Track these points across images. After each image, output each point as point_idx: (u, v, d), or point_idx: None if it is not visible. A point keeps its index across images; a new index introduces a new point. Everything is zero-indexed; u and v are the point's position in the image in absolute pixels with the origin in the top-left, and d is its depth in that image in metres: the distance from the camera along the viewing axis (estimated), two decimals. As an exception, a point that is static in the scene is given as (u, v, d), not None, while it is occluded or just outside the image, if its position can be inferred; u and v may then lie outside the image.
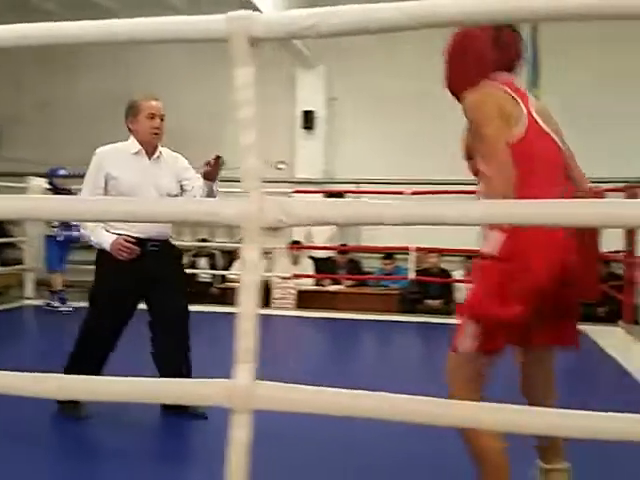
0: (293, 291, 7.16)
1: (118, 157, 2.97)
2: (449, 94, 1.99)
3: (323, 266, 7.65)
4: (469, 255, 7.12)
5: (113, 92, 8.95)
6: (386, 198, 6.96)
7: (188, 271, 7.94)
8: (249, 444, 1.04)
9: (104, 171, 2.93)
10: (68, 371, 2.89)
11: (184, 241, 8.47)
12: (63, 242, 6.31)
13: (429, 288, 7.06)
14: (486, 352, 1.77)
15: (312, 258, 7.71)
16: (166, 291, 2.95)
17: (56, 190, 6.21)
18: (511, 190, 1.65)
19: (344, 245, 7.83)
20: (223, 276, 8.04)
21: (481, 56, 1.86)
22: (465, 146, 1.96)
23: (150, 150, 3.01)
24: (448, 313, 6.77)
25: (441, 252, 7.04)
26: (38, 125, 9.43)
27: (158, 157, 3.03)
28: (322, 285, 7.52)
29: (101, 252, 2.94)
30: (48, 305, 6.31)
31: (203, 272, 8.05)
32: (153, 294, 2.95)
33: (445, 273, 7.20)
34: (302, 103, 8.59)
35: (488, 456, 1.76)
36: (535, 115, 1.85)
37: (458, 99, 1.90)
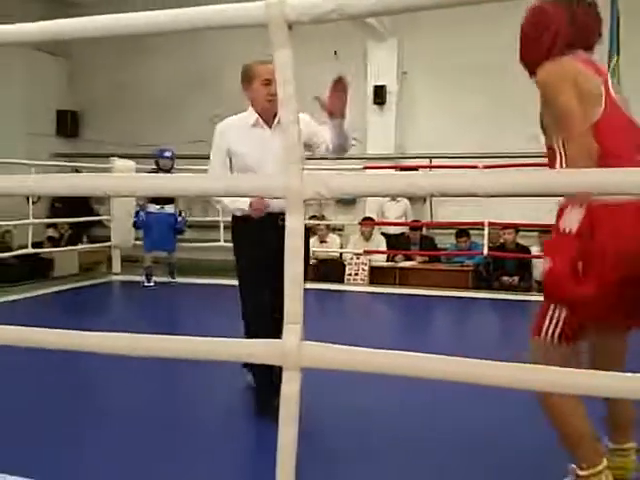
0: (365, 267, 7.23)
1: (238, 131, 2.78)
2: (523, 68, 1.97)
3: (396, 242, 7.66)
4: (545, 230, 6.96)
5: (186, 74, 9.30)
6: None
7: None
8: (299, 398, 1.14)
9: (226, 147, 2.78)
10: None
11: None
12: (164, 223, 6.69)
13: (505, 264, 6.93)
14: (570, 339, 1.74)
15: (384, 234, 7.73)
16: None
17: (160, 171, 6.57)
18: (593, 165, 1.62)
19: (417, 221, 7.80)
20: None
21: (557, 32, 1.83)
22: (540, 121, 1.93)
23: (269, 119, 2.77)
24: (526, 290, 6.67)
25: (516, 227, 6.89)
26: (115, 108, 9.85)
27: (279, 125, 2.69)
28: (395, 261, 7.54)
29: (236, 229, 2.89)
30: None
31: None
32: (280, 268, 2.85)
33: (523, 249, 7.02)
34: (374, 78, 8.55)
35: (571, 430, 1.77)
36: (612, 92, 1.81)
37: (533, 75, 1.88)
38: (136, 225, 6.86)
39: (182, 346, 1.28)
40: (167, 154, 6.71)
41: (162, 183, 1.24)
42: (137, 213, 6.75)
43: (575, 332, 1.75)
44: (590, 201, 1.65)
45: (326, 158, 2.95)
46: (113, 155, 7.47)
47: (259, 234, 2.71)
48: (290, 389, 1.16)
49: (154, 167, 6.72)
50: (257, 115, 2.77)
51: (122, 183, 1.27)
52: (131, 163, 7.30)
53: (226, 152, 2.77)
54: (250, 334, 2.74)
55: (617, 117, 1.78)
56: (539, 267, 7.11)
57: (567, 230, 1.66)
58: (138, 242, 7.17)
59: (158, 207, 6.64)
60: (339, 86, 2.47)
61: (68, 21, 1.31)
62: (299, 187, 1.14)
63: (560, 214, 1.70)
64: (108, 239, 7.51)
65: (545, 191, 1.06)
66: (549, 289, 1.70)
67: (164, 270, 6.97)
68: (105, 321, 5.08)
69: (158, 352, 1.31)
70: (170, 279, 6.87)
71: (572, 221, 1.66)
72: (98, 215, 8.73)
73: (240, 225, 2.85)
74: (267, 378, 2.69)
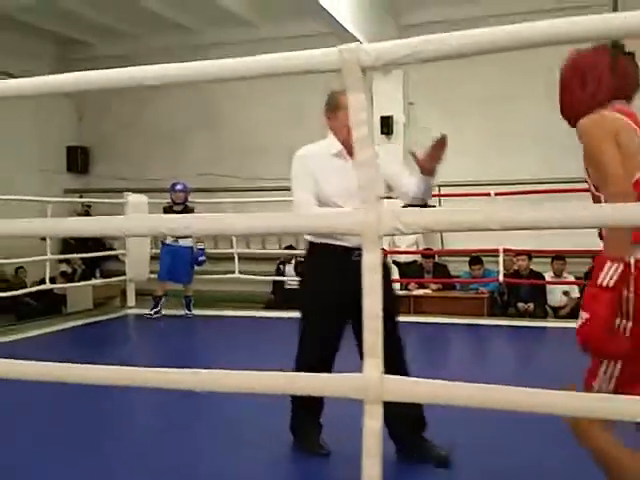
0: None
1: (320, 159, 2.62)
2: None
3: (408, 271, 7.68)
4: (558, 256, 7.00)
5: (191, 110, 9.46)
6: (471, 201, 6.94)
7: (275, 278, 8.30)
8: (381, 432, 1.16)
9: (311, 173, 2.58)
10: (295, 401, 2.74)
11: (270, 249, 8.80)
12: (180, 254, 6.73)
13: (520, 291, 6.95)
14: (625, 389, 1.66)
15: (396, 263, 7.76)
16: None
17: (174, 205, 6.67)
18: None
19: (428, 249, 7.84)
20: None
21: (599, 82, 1.79)
22: (585, 168, 1.86)
23: (351, 150, 2.70)
24: (542, 316, 6.69)
25: (529, 254, 6.92)
26: (123, 144, 10.01)
27: None
28: (409, 289, 7.55)
29: (309, 261, 2.72)
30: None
31: (290, 279, 8.29)
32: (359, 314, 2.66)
33: (537, 275, 7.05)
34: (380, 109, 8.68)
35: (611, 455, 1.73)
36: None
37: (573, 126, 1.82)
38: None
39: (263, 381, 1.30)
40: (179, 187, 6.77)
41: (236, 222, 1.28)
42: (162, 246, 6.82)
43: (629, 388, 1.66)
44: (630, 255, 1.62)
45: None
46: (123, 190, 7.55)
47: (336, 271, 2.51)
48: (373, 423, 1.18)
49: (168, 202, 6.78)
50: (341, 146, 2.61)
51: (198, 223, 1.30)
52: (144, 198, 7.37)
53: (312, 179, 2.56)
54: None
55: None
56: (554, 293, 7.13)
57: (605, 284, 1.61)
58: (152, 275, 7.19)
59: (172, 239, 6.65)
60: (440, 145, 2.41)
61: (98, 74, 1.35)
62: (376, 223, 1.18)
63: (599, 266, 1.64)
64: (121, 273, 7.52)
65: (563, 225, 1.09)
66: (587, 345, 1.66)
67: (176, 302, 6.96)
68: (133, 354, 5.08)
69: (230, 387, 1.33)
70: (186, 311, 6.85)
71: (611, 275, 1.60)
72: (112, 249, 8.77)
73: (316, 256, 2.64)
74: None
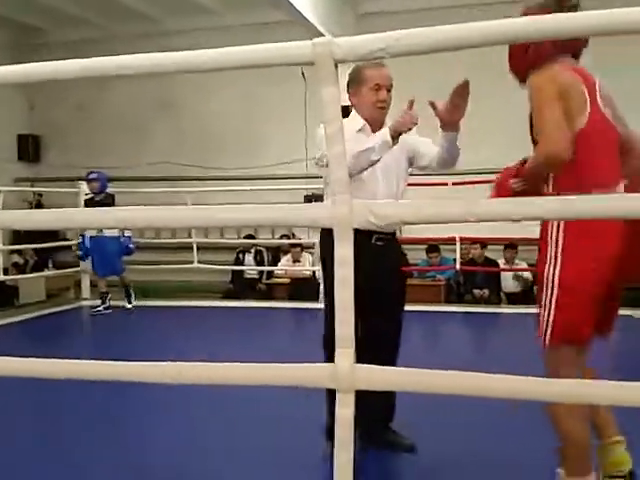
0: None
1: (346, 135, 2.51)
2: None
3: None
4: (510, 244, 7.19)
5: (149, 96, 9.27)
6: (431, 190, 7.04)
7: (234, 268, 8.25)
8: (353, 420, 1.18)
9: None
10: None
11: (230, 238, 8.75)
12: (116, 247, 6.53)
13: (475, 278, 7.12)
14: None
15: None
16: (383, 302, 2.49)
17: (92, 194, 6.41)
18: (554, 160, 1.76)
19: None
20: (270, 272, 8.24)
21: (538, 46, 1.85)
22: (530, 131, 1.96)
23: (376, 127, 2.45)
24: (496, 303, 6.88)
25: (484, 242, 7.08)
26: (76, 131, 9.73)
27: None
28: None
29: (327, 246, 2.58)
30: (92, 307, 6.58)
31: (249, 268, 8.27)
32: (373, 299, 2.40)
33: (492, 263, 7.24)
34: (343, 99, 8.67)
35: (572, 436, 1.86)
36: (599, 101, 1.87)
37: (522, 83, 1.93)
38: (80, 256, 6.60)
39: (234, 373, 1.30)
40: (92, 176, 6.45)
41: (208, 214, 1.28)
42: (81, 243, 6.50)
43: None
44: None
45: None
46: (77, 179, 7.36)
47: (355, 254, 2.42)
48: (345, 412, 1.20)
49: (88, 193, 6.49)
50: (364, 122, 2.49)
51: (159, 215, 1.29)
52: (97, 186, 7.20)
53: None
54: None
55: (600, 131, 1.86)
56: (508, 280, 7.34)
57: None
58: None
59: (95, 232, 6.33)
60: (462, 92, 2.12)
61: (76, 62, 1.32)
62: (348, 216, 1.20)
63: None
64: (75, 264, 7.36)
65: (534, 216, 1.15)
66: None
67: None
68: (87, 347, 4.99)
69: (209, 379, 1.33)
70: (127, 304, 6.63)
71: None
72: (65, 239, 8.55)
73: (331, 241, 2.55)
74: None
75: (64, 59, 1.40)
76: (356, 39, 1.16)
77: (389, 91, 2.48)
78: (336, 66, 1.20)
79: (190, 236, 7.59)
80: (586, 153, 1.81)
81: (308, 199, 8.45)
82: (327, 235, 2.49)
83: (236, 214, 1.30)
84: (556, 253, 1.83)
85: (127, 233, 6.56)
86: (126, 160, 9.09)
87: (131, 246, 6.63)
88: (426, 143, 2.51)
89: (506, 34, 1.05)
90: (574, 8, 1.88)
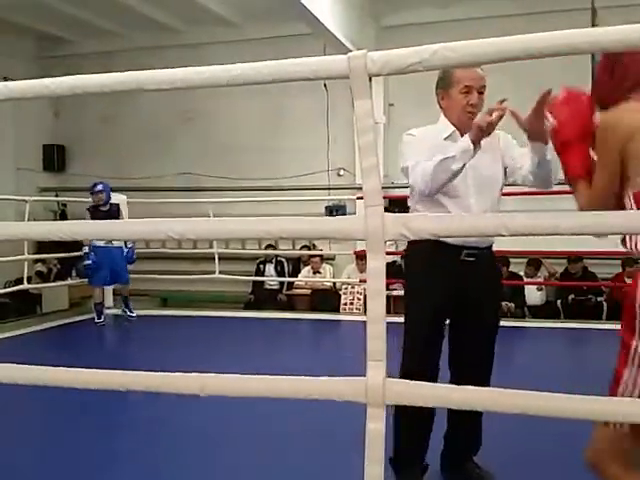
0: (361, 296, 7.27)
1: (433, 144, 2.25)
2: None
3: (388, 271, 7.71)
4: (534, 257, 7.14)
5: (174, 107, 9.37)
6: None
7: (255, 278, 8.28)
8: (383, 435, 1.17)
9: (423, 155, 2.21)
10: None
11: (251, 249, 8.78)
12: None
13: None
14: None
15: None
16: (476, 321, 2.34)
17: (97, 205, 6.42)
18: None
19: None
20: (290, 283, 8.24)
21: (626, 68, 1.64)
22: None
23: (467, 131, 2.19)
24: (521, 316, 6.83)
25: (507, 256, 7.04)
26: (102, 142, 9.84)
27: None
28: (390, 290, 7.60)
29: (414, 259, 2.42)
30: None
31: (270, 279, 8.28)
32: (461, 318, 2.35)
33: (516, 276, 7.18)
34: (360, 110, 8.70)
35: None
36: None
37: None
38: (88, 267, 6.48)
39: (259, 385, 1.30)
40: (99, 187, 6.43)
41: (241, 225, 1.28)
42: (87, 255, 6.42)
43: None
44: None
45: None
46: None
47: (442, 272, 2.26)
48: (375, 427, 1.19)
49: (91, 204, 6.47)
50: (453, 128, 2.29)
51: (200, 227, 1.30)
52: (123, 197, 7.29)
53: (429, 154, 2.17)
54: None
55: None
56: (532, 292, 7.29)
57: None
58: (131, 275, 7.11)
59: (104, 242, 6.31)
60: (543, 100, 1.86)
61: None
62: (380, 229, 1.19)
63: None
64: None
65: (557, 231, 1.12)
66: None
67: (159, 302, 6.89)
68: (111, 356, 5.02)
69: (233, 391, 1.33)
70: (128, 313, 6.65)
71: None
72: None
73: (419, 256, 2.32)
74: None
75: (89, 70, 1.41)
76: (391, 53, 1.16)
77: (481, 93, 2.25)
78: (370, 79, 1.20)
79: (211, 246, 7.63)
80: None
81: (329, 210, 8.47)
82: (417, 249, 2.27)
83: (266, 226, 1.30)
84: None
85: (129, 243, 6.62)
86: (150, 170, 9.19)
87: (134, 257, 6.70)
88: (523, 155, 2.21)
89: (541, 48, 1.04)
90: None
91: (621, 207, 1.62)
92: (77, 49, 9.69)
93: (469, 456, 2.49)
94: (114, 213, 6.45)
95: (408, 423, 2.30)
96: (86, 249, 6.41)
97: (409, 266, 2.48)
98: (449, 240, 2.14)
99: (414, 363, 2.24)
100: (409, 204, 2.38)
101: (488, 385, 2.21)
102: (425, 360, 2.28)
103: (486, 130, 2.01)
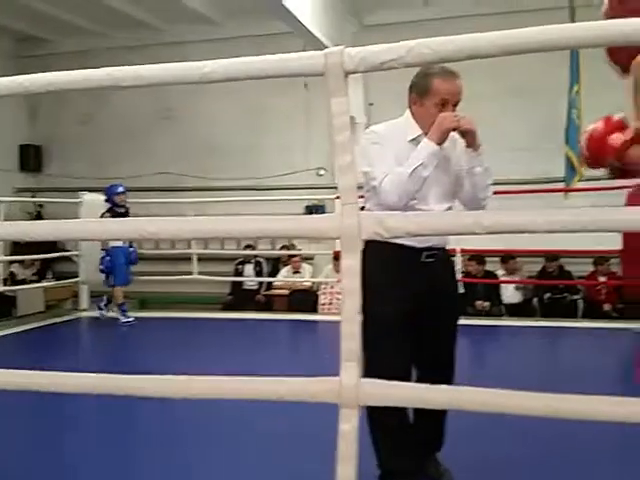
0: (339, 296, 7.24)
1: (398, 143, 2.15)
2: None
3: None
4: (508, 255, 7.19)
5: (153, 106, 9.29)
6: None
7: (234, 279, 8.23)
8: (357, 436, 1.16)
9: (392, 154, 2.12)
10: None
11: (230, 249, 8.73)
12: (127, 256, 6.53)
13: (476, 291, 7.10)
14: None
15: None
16: (436, 322, 2.30)
17: (115, 206, 6.40)
18: None
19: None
20: (269, 283, 8.21)
21: None
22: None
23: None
24: (498, 315, 6.87)
25: (481, 256, 7.08)
26: (79, 142, 9.74)
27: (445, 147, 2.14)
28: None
29: (372, 262, 2.19)
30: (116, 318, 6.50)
31: (249, 279, 8.24)
32: (423, 320, 2.27)
33: (491, 275, 7.24)
34: (340, 110, 8.71)
35: None
36: None
37: (625, 72, 1.70)
38: (105, 270, 6.45)
39: (231, 387, 1.29)
40: (121, 189, 6.46)
41: (217, 225, 1.26)
42: (104, 257, 6.41)
43: None
44: None
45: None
46: (78, 189, 7.35)
47: (402, 274, 2.19)
48: (348, 427, 1.18)
49: (109, 206, 6.43)
50: (420, 132, 2.16)
51: (171, 226, 1.28)
52: (100, 197, 7.19)
53: (394, 160, 2.09)
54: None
55: None
56: (508, 291, 7.35)
57: None
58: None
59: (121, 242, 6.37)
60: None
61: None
62: (356, 228, 1.18)
63: None
64: (74, 275, 7.33)
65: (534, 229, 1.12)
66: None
67: (137, 304, 6.81)
68: (87, 359, 4.95)
69: (206, 393, 1.31)
70: (125, 317, 6.51)
71: None
72: (64, 250, 8.53)
73: (378, 258, 2.13)
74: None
75: (68, 69, 1.39)
76: (367, 49, 1.15)
77: (455, 107, 2.14)
78: (346, 76, 1.19)
79: (190, 247, 7.57)
80: None
81: (309, 210, 8.46)
82: (374, 252, 2.01)
83: (242, 225, 1.28)
84: None
85: (132, 246, 6.60)
86: (128, 171, 9.10)
87: (137, 258, 6.66)
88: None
89: (516, 44, 1.04)
90: None
91: None
92: (56, 48, 9.57)
93: (432, 452, 2.48)
94: (128, 215, 6.37)
95: (385, 435, 2.22)
96: (102, 253, 6.36)
97: (368, 269, 2.32)
98: (409, 242, 2.09)
99: (387, 371, 2.08)
100: (366, 207, 2.25)
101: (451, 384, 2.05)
102: (397, 367, 2.10)
103: (449, 129, 2.01)
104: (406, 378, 2.14)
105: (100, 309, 6.60)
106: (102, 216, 6.31)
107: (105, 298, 6.66)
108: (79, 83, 1.30)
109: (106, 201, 6.49)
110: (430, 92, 2.12)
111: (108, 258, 6.38)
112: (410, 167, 2.00)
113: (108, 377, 1.34)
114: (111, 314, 6.55)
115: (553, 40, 1.01)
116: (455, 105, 2.14)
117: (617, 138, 1.70)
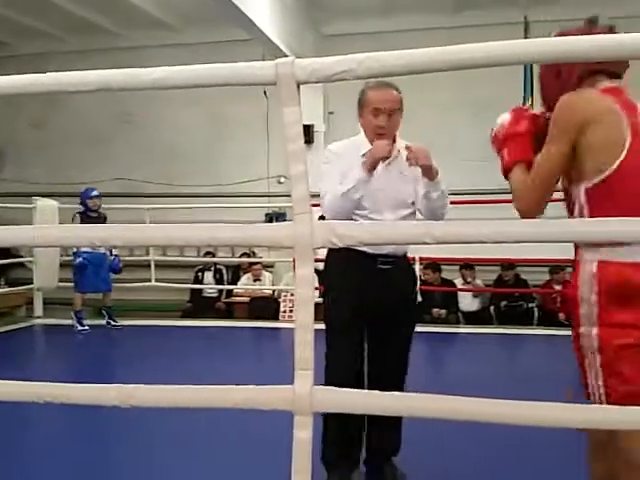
0: (300, 303, 7.25)
1: (352, 160, 2.25)
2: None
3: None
4: (467, 265, 7.32)
5: (112, 111, 9.14)
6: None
7: (193, 286, 8.14)
8: (310, 444, 1.16)
9: (342, 171, 2.25)
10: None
11: (189, 256, 8.64)
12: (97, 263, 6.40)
13: (433, 298, 7.19)
14: None
15: (317, 271, 7.81)
16: (391, 329, 2.39)
17: (88, 210, 6.34)
18: (531, 213, 1.55)
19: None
20: (229, 291, 8.15)
21: (572, 66, 1.59)
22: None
23: None
24: (455, 322, 6.99)
25: (437, 264, 7.16)
26: (35, 146, 9.50)
27: (395, 158, 2.29)
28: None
29: (331, 269, 2.42)
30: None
31: (209, 287, 8.17)
32: (377, 325, 2.39)
33: (448, 283, 7.35)
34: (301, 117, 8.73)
35: None
36: None
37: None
38: (77, 268, 6.35)
39: (185, 395, 1.28)
40: (95, 193, 6.47)
41: (166, 233, 1.26)
42: (74, 254, 6.34)
43: None
44: None
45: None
46: (32, 194, 7.18)
47: (358, 280, 2.30)
48: (302, 435, 1.18)
49: (82, 209, 6.39)
50: (370, 146, 2.28)
51: (135, 234, 1.27)
52: (53, 203, 7.04)
53: (342, 177, 2.23)
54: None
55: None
56: (466, 297, 7.47)
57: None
58: (62, 284, 6.86)
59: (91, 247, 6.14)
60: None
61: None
62: (309, 236, 1.19)
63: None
64: (28, 281, 7.15)
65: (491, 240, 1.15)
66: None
67: (93, 312, 6.68)
68: (42, 367, 4.82)
69: (158, 402, 1.30)
70: (111, 322, 6.51)
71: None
72: (18, 256, 8.30)
73: (337, 264, 2.36)
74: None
75: (25, 72, 1.36)
76: (318, 61, 1.17)
77: (391, 115, 2.28)
78: (298, 86, 1.20)
79: (148, 253, 7.46)
80: (620, 201, 1.49)
81: (269, 217, 8.44)
82: (333, 258, 2.35)
83: (195, 233, 1.28)
84: None
85: (115, 251, 6.51)
86: (86, 176, 8.91)
87: (120, 265, 6.59)
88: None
89: (465, 59, 1.07)
90: (610, 28, 1.60)
91: (569, 204, 1.60)
92: (11, 51, 9.34)
93: (387, 457, 2.52)
94: (103, 221, 6.34)
95: (335, 422, 2.33)
96: (74, 249, 6.25)
97: (328, 275, 2.46)
98: (365, 249, 2.18)
99: (338, 370, 2.24)
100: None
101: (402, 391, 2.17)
102: (349, 366, 2.31)
103: (379, 159, 2.16)
104: (359, 379, 2.32)
105: (108, 322, 6.46)
106: (73, 218, 6.29)
107: (105, 311, 6.55)
108: (25, 88, 1.28)
109: (80, 204, 6.43)
110: (365, 103, 2.32)
111: (79, 259, 6.27)
112: (344, 188, 2.18)
113: (50, 385, 1.31)
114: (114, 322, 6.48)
115: (499, 56, 1.04)
116: (390, 114, 2.29)
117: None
